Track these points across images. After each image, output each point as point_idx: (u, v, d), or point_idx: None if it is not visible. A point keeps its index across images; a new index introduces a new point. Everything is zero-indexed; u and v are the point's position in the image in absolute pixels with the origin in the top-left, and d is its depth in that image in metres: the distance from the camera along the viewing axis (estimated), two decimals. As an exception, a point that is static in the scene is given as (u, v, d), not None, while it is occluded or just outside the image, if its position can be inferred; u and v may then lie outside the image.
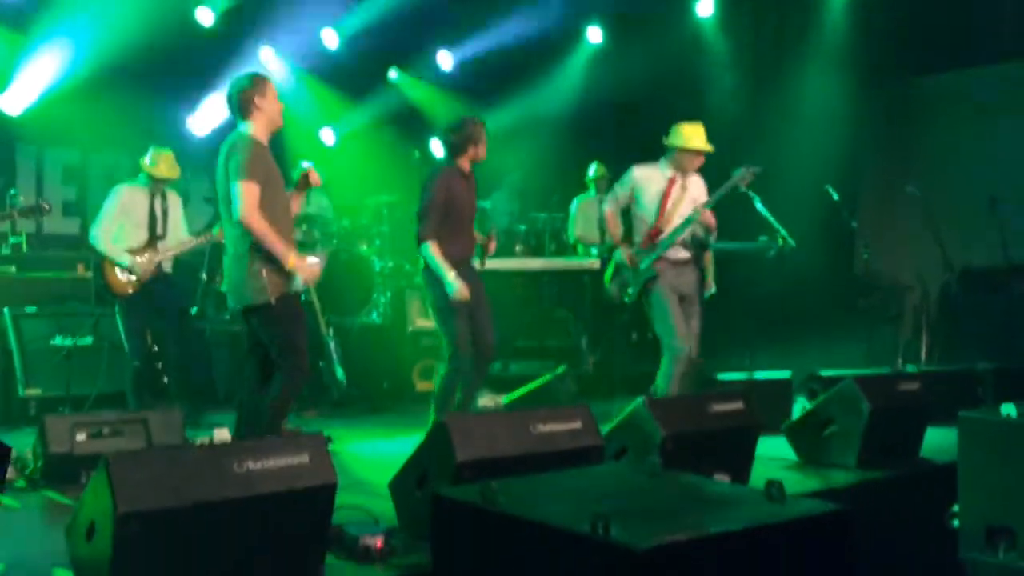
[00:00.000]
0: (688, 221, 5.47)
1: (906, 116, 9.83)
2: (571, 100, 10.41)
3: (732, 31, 10.05)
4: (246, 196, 4.19)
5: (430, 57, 10.28)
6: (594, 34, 10.31)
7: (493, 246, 5.42)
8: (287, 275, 4.30)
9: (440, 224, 5.10)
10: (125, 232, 6.14)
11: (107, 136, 8.25)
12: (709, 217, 5.49)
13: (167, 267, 6.32)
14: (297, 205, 4.69)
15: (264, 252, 4.24)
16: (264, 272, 4.25)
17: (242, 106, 4.38)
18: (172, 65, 8.30)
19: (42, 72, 7.83)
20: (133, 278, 6.10)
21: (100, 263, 6.16)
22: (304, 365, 4.39)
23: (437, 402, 5.19)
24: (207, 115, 8.87)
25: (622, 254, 5.58)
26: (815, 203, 7.85)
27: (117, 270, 6.09)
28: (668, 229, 5.51)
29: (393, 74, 10.43)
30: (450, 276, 5.02)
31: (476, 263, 5.34)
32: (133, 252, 6.12)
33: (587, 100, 10.35)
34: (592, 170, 8.78)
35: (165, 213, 6.30)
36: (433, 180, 5.16)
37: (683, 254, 5.56)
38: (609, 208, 5.69)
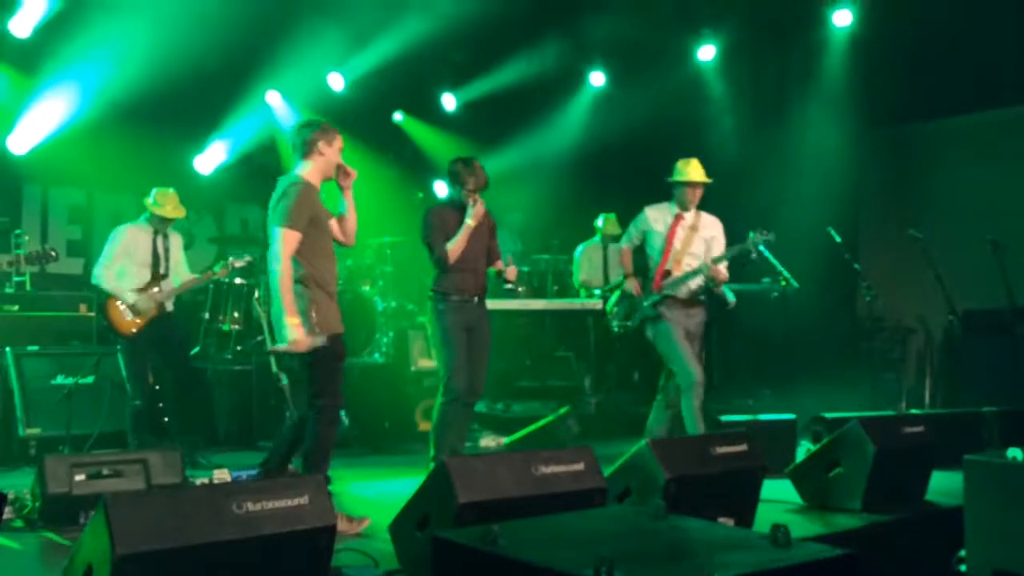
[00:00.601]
0: (696, 272, 5.56)
1: (908, 160, 9.90)
2: (573, 143, 10.49)
3: (733, 75, 10.15)
4: (282, 243, 4.29)
5: (434, 100, 10.39)
6: (596, 78, 10.42)
7: (513, 271, 5.45)
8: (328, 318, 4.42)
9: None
10: (128, 272, 6.15)
11: (113, 176, 8.31)
12: (719, 271, 5.56)
13: (169, 306, 6.32)
14: (351, 214, 4.69)
15: (308, 293, 4.36)
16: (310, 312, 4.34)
17: (306, 146, 4.47)
18: (179, 106, 8.39)
19: (48, 113, 7.91)
20: (137, 318, 6.11)
21: (103, 303, 6.17)
22: (333, 406, 4.46)
23: (435, 436, 5.27)
24: (213, 156, 8.95)
25: (629, 284, 5.75)
26: (817, 245, 7.87)
27: (121, 309, 6.10)
28: (676, 268, 5.61)
29: (398, 116, 10.54)
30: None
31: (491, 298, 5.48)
32: (136, 291, 6.13)
33: (589, 143, 10.43)
34: (601, 221, 8.77)
35: (167, 252, 6.32)
36: (425, 215, 5.42)
37: (691, 295, 5.64)
38: (625, 246, 5.92)
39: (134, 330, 6.10)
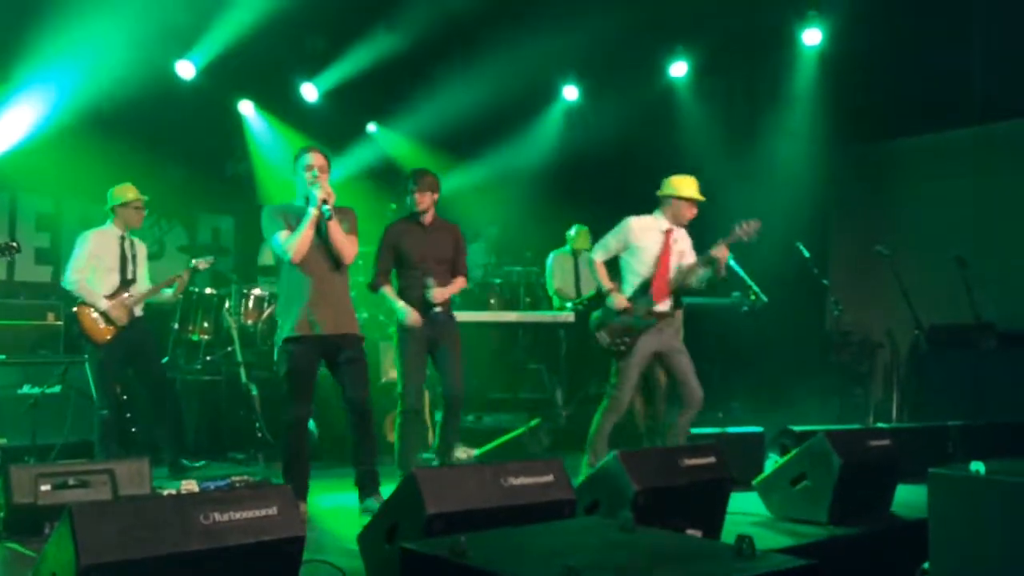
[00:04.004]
0: (709, 265, 5.47)
1: (876, 177, 10.04)
2: (546, 155, 10.56)
3: (705, 91, 10.26)
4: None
5: (408, 111, 10.40)
6: (570, 92, 10.49)
7: (438, 293, 5.38)
8: None
9: (389, 271, 5.48)
10: (97, 277, 6.10)
11: (82, 184, 8.24)
12: (722, 252, 5.46)
13: (139, 311, 6.26)
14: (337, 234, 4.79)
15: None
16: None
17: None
18: (151, 115, 8.35)
19: (18, 119, 7.84)
20: (111, 326, 6.04)
21: (75, 310, 6.10)
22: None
23: (397, 453, 5.38)
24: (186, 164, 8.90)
25: (615, 301, 5.56)
26: (786, 260, 7.95)
27: (94, 317, 6.03)
28: (663, 283, 5.52)
29: (372, 127, 10.54)
30: (399, 304, 5.36)
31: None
32: (107, 298, 6.07)
33: (562, 156, 10.50)
34: (573, 231, 8.82)
35: (135, 258, 6.27)
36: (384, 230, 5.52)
37: (667, 307, 5.60)
38: (599, 257, 5.70)
39: (108, 337, 6.04)
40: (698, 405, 5.55)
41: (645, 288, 5.57)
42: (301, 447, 4.81)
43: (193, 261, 6.53)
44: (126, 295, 6.13)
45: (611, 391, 5.62)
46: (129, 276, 6.21)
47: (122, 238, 6.24)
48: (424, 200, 5.40)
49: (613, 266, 5.76)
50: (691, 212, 5.64)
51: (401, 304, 5.36)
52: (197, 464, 6.51)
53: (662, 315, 5.56)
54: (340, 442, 7.34)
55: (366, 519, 3.59)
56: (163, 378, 6.45)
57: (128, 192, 6.24)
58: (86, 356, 6.19)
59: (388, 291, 5.45)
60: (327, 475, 6.36)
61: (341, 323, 4.79)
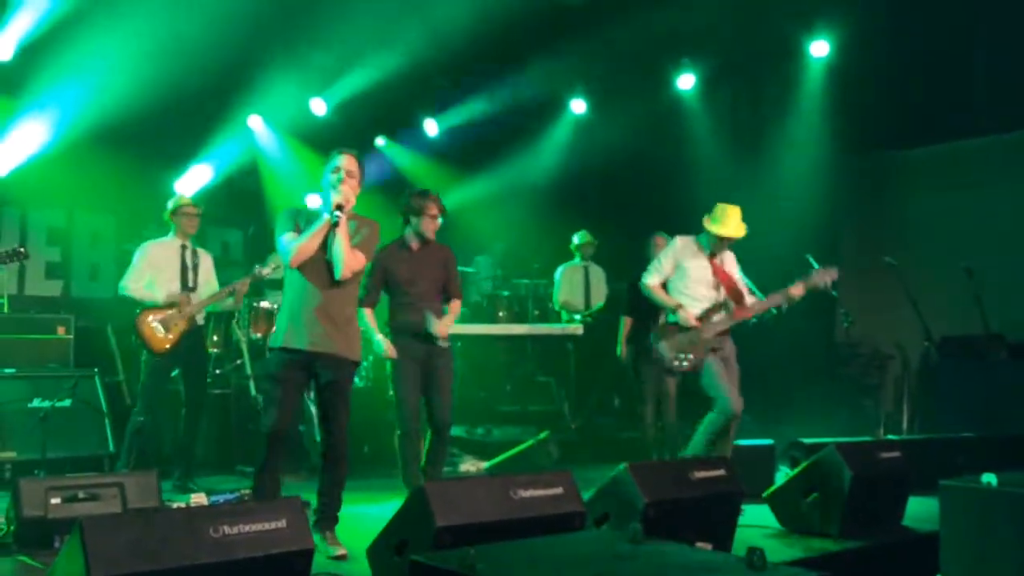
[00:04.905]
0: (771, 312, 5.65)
1: (884, 188, 10.02)
2: (554, 168, 10.57)
3: (712, 104, 10.27)
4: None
5: (417, 125, 10.44)
6: (577, 105, 10.51)
7: (441, 327, 5.35)
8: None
9: (377, 294, 5.42)
10: (156, 286, 6.11)
11: (93, 199, 8.29)
12: (745, 313, 5.61)
13: (200, 319, 6.28)
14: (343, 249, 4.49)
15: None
16: None
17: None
18: (160, 129, 8.39)
19: (29, 134, 7.90)
20: (170, 335, 6.03)
21: (135, 319, 6.06)
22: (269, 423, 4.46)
23: (401, 470, 5.38)
24: (194, 179, 8.94)
25: (686, 318, 5.57)
26: (795, 272, 7.93)
27: (153, 326, 6.01)
28: (741, 303, 5.63)
29: (380, 141, 10.58)
30: (376, 336, 5.33)
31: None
32: (168, 306, 6.07)
33: (570, 168, 10.52)
34: (577, 238, 8.86)
35: (196, 267, 6.28)
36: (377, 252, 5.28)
37: (726, 326, 5.66)
38: (655, 281, 5.74)
39: (167, 346, 6.03)
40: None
41: (716, 308, 5.64)
42: (275, 463, 4.44)
43: (256, 268, 6.36)
44: (186, 303, 6.11)
45: (714, 405, 5.51)
46: (190, 284, 6.21)
47: (183, 247, 6.25)
48: (437, 226, 5.40)
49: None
50: (726, 246, 5.72)
51: (380, 337, 5.34)
52: (208, 478, 6.51)
53: (722, 333, 5.63)
54: (348, 454, 7.35)
55: (375, 531, 3.59)
56: (204, 392, 6.44)
57: (180, 199, 6.30)
58: (142, 361, 6.13)
59: (369, 317, 5.35)
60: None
61: (331, 343, 4.41)
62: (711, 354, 5.55)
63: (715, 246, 5.68)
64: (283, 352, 4.43)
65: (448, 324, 5.39)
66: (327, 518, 4.49)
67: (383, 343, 5.34)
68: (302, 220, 4.54)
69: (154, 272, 6.14)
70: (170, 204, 6.33)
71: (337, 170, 4.49)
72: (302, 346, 4.40)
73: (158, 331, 6.03)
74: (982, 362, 7.68)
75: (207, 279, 6.39)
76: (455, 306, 5.52)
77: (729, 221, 5.64)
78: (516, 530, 3.26)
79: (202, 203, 6.53)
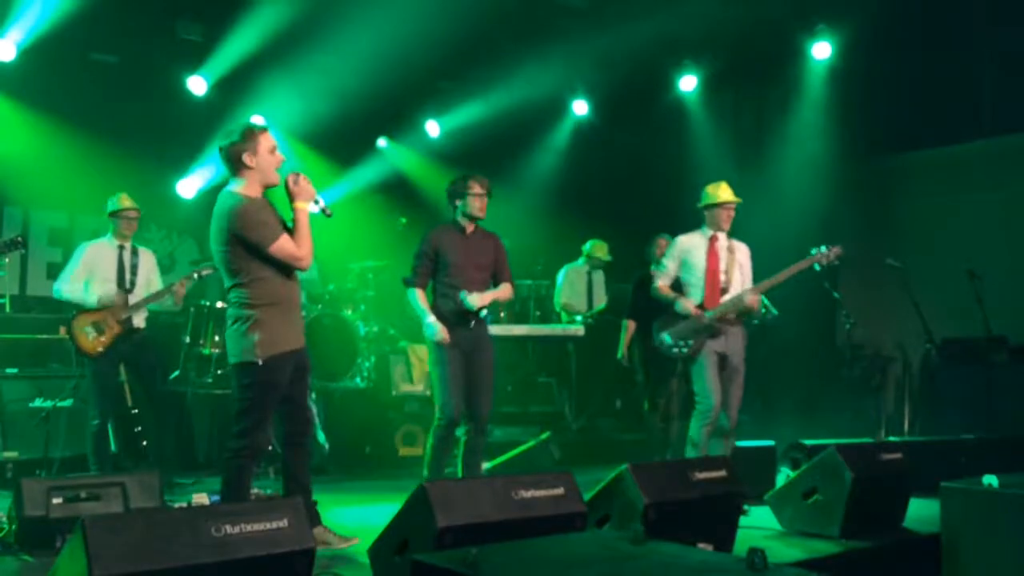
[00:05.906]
0: (738, 299, 5.56)
1: (886, 190, 10.02)
2: (557, 170, 10.57)
3: (714, 105, 10.28)
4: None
5: (418, 126, 10.44)
6: (579, 107, 10.51)
7: (476, 297, 5.20)
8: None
9: (428, 275, 5.23)
10: (92, 288, 6.00)
11: (95, 199, 8.27)
12: (753, 301, 5.55)
13: (138, 322, 6.13)
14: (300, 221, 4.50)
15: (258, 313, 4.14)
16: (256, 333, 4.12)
17: (231, 162, 4.35)
18: (162, 130, 8.40)
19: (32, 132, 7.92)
20: (102, 337, 5.94)
21: (69, 324, 5.98)
22: (254, 436, 4.16)
23: (427, 463, 5.21)
24: (196, 180, 8.95)
25: (685, 306, 5.57)
26: (797, 273, 7.93)
27: (85, 330, 5.93)
28: (714, 291, 5.58)
29: (382, 142, 10.58)
30: (429, 319, 5.11)
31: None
32: (102, 308, 5.97)
33: (572, 170, 10.52)
34: (588, 246, 8.75)
35: (134, 268, 6.18)
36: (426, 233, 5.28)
37: (728, 309, 5.62)
38: (662, 283, 5.75)
39: (100, 349, 5.92)
40: (730, 422, 5.56)
41: (714, 295, 5.62)
42: (246, 481, 4.21)
43: (193, 271, 6.31)
44: (122, 304, 6.03)
45: (696, 400, 5.56)
46: (127, 285, 6.12)
47: (120, 248, 6.17)
48: (485, 205, 5.31)
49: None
50: (728, 215, 5.68)
51: (432, 320, 5.11)
52: (188, 481, 6.45)
53: (728, 323, 5.59)
54: (347, 455, 7.37)
55: (377, 531, 3.59)
56: (156, 392, 6.31)
57: (122, 201, 6.18)
58: (86, 368, 6.07)
59: (421, 298, 5.18)
60: (335, 488, 6.38)
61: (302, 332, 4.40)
62: (710, 344, 5.52)
63: (713, 225, 5.66)
64: (283, 357, 4.19)
65: (488, 297, 5.23)
66: (313, 511, 4.44)
67: (436, 326, 5.10)
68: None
69: (89, 273, 6.04)
70: (110, 205, 6.19)
71: (274, 149, 4.50)
72: (299, 345, 4.31)
73: (89, 334, 5.93)
74: (983, 364, 7.68)
75: (147, 279, 6.26)
76: (506, 287, 5.38)
77: (720, 191, 5.66)
78: (517, 530, 3.26)
79: (205, 202, 6.52)
